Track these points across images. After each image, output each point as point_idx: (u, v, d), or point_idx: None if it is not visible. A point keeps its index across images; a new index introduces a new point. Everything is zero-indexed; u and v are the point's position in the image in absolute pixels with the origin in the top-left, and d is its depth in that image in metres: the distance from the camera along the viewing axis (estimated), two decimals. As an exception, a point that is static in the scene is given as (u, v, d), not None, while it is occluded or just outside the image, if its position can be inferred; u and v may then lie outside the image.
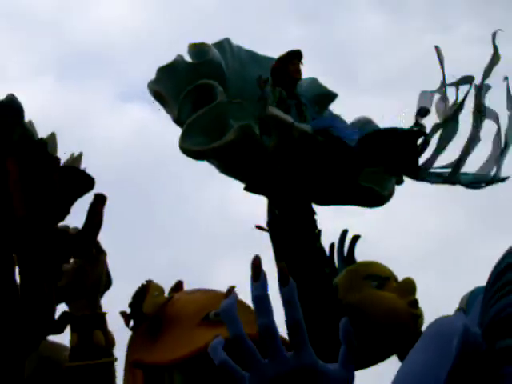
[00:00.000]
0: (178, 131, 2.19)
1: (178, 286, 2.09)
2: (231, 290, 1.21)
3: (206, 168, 2.30)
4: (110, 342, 2.18)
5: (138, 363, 1.97)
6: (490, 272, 1.32)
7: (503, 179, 2.27)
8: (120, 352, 2.24)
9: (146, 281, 2.02)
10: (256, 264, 1.21)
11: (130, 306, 2.03)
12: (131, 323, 2.05)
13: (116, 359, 2.18)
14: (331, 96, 2.42)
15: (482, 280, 1.42)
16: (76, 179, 2.04)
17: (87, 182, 2.08)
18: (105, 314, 2.19)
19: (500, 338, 1.21)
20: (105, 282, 2.20)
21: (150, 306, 1.97)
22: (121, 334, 2.16)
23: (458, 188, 2.23)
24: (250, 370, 1.21)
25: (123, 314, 2.05)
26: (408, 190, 2.42)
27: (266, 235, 2.24)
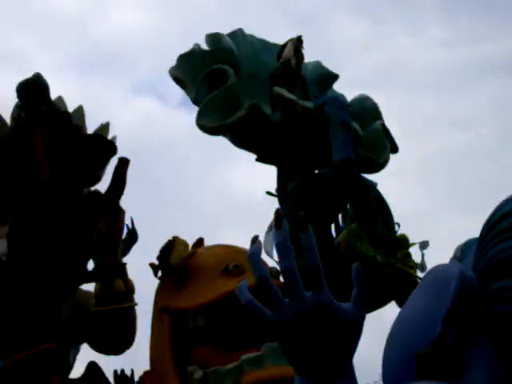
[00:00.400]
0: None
1: (199, 242, 2.36)
2: (255, 238, 1.37)
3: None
4: (130, 289, 2.44)
5: (165, 309, 2.24)
6: (483, 224, 1.34)
7: None
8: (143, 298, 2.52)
9: (173, 237, 2.26)
10: (278, 215, 1.25)
11: (159, 258, 2.26)
12: (159, 274, 2.29)
13: (136, 304, 2.45)
14: (333, 76, 2.68)
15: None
16: (99, 145, 2.28)
17: (110, 148, 2.31)
18: (125, 264, 2.44)
19: (493, 281, 1.27)
20: (132, 238, 2.45)
21: (176, 259, 2.22)
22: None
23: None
24: (273, 308, 1.26)
25: (152, 265, 2.28)
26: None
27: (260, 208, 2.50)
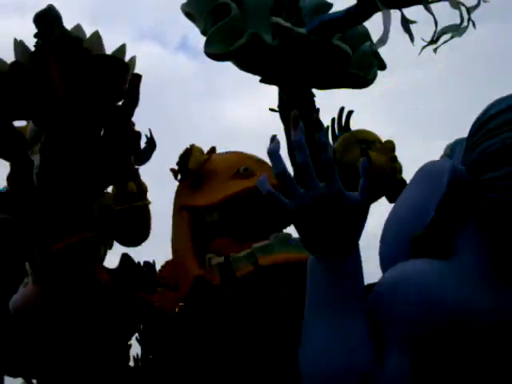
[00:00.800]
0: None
1: (212, 150, 2.66)
2: (274, 137, 1.46)
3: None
4: (143, 190, 2.77)
5: (184, 207, 2.56)
6: (473, 123, 1.52)
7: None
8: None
9: (190, 145, 2.57)
10: (295, 116, 1.43)
11: (178, 163, 2.56)
12: (179, 177, 2.60)
13: (149, 202, 2.80)
14: (327, 5, 2.96)
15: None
16: (109, 64, 2.47)
17: (121, 67, 2.51)
18: (137, 169, 2.75)
19: (482, 173, 1.42)
20: (151, 146, 2.74)
21: (193, 163, 2.53)
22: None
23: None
24: (291, 198, 1.42)
25: (173, 170, 2.59)
26: (342, 96, 3.02)
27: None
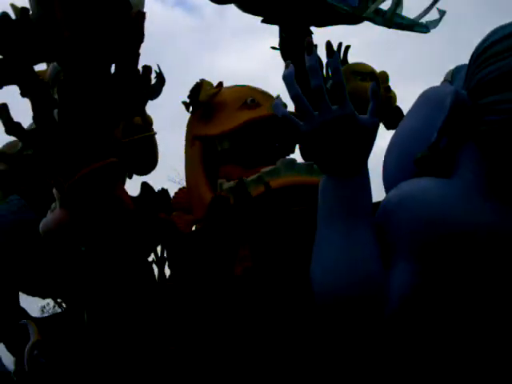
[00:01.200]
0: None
1: (220, 84, 2.81)
2: (289, 63, 1.50)
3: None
4: (148, 122, 2.92)
5: (196, 136, 2.73)
6: (475, 48, 1.52)
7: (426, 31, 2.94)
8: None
9: (200, 79, 2.73)
10: (309, 41, 1.46)
11: (189, 96, 2.73)
12: (190, 109, 2.76)
13: (155, 133, 2.95)
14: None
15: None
16: (111, 2, 2.51)
17: (122, 4, 2.55)
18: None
19: (483, 97, 1.44)
20: (161, 81, 2.86)
21: (204, 96, 2.69)
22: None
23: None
24: (305, 120, 1.46)
25: (184, 103, 2.76)
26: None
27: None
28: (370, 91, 1.50)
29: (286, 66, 1.50)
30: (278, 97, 1.53)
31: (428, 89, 1.67)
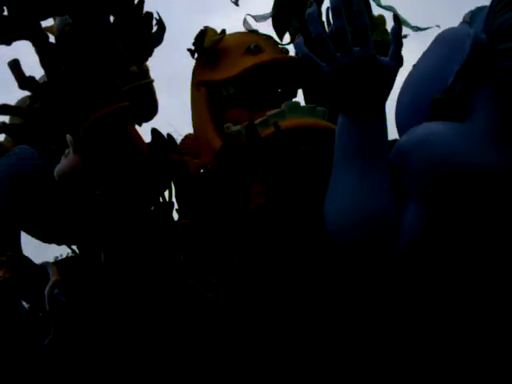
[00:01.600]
0: None
1: (223, 31, 2.84)
2: (312, 2, 1.53)
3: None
4: (144, 70, 2.90)
5: (202, 82, 2.79)
6: None
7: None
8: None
9: (204, 26, 2.77)
10: None
11: (194, 43, 2.77)
12: (195, 56, 2.81)
13: (152, 80, 2.94)
14: None
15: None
16: None
17: None
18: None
19: (502, 42, 1.46)
20: (161, 28, 2.88)
21: (209, 42, 2.74)
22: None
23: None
24: (326, 60, 1.48)
25: (190, 50, 2.79)
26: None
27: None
28: (392, 33, 1.53)
29: (309, 5, 1.67)
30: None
31: (445, 30, 1.68)
